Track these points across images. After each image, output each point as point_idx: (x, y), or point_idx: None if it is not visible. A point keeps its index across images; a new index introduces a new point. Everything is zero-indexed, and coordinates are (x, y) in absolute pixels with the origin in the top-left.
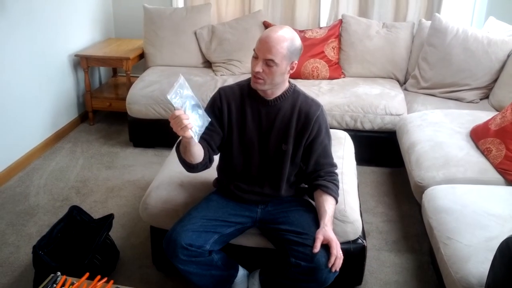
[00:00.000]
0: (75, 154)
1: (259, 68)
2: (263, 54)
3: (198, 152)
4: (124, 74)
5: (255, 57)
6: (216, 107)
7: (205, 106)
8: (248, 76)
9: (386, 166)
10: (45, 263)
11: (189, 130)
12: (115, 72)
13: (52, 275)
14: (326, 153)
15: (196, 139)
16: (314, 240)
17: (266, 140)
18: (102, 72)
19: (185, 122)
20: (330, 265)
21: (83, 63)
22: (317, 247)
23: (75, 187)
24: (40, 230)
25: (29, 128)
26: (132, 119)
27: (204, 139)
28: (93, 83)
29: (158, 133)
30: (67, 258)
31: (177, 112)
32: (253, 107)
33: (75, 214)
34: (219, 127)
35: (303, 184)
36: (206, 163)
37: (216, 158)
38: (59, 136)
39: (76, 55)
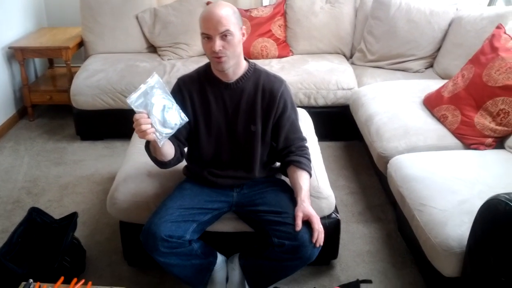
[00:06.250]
0: (18, 152)
1: (218, 46)
2: (216, 30)
3: (168, 151)
4: (62, 65)
5: (208, 38)
6: (178, 99)
7: None
8: (197, 59)
9: (341, 140)
10: (10, 271)
11: (150, 134)
12: (51, 63)
13: (24, 283)
14: (295, 128)
15: (160, 142)
16: (294, 218)
17: (234, 124)
18: (37, 64)
19: (144, 127)
20: (314, 240)
21: (18, 55)
22: (299, 225)
23: (25, 188)
24: None
25: None
26: (78, 111)
27: (172, 134)
28: (29, 76)
29: (107, 124)
30: (32, 263)
31: (136, 116)
32: (215, 93)
33: (35, 216)
34: None
35: (276, 163)
36: (178, 158)
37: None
38: None
39: (10, 47)
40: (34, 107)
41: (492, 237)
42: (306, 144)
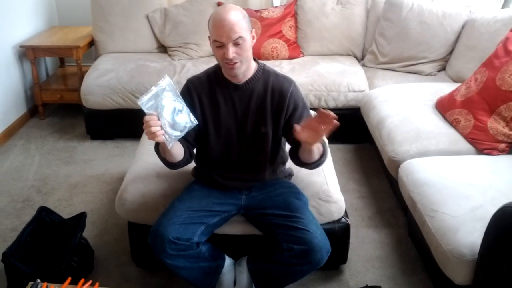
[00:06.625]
0: (29, 151)
1: (232, 54)
2: (229, 38)
3: (178, 152)
4: (73, 64)
5: (220, 46)
6: (187, 100)
7: None
8: (207, 59)
9: (351, 142)
10: (19, 270)
11: (160, 136)
12: (62, 62)
13: (32, 282)
14: None
15: (169, 144)
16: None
17: (244, 126)
18: (48, 62)
19: (153, 129)
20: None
21: (30, 54)
22: (297, 127)
23: (35, 186)
24: (3, 235)
25: None
26: (88, 111)
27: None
28: (40, 75)
29: (117, 124)
30: (40, 263)
31: (146, 118)
32: (225, 95)
33: (44, 216)
34: None
35: (285, 166)
36: (187, 159)
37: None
38: (9, 134)
39: (21, 46)
40: (45, 106)
41: (505, 245)
42: None
